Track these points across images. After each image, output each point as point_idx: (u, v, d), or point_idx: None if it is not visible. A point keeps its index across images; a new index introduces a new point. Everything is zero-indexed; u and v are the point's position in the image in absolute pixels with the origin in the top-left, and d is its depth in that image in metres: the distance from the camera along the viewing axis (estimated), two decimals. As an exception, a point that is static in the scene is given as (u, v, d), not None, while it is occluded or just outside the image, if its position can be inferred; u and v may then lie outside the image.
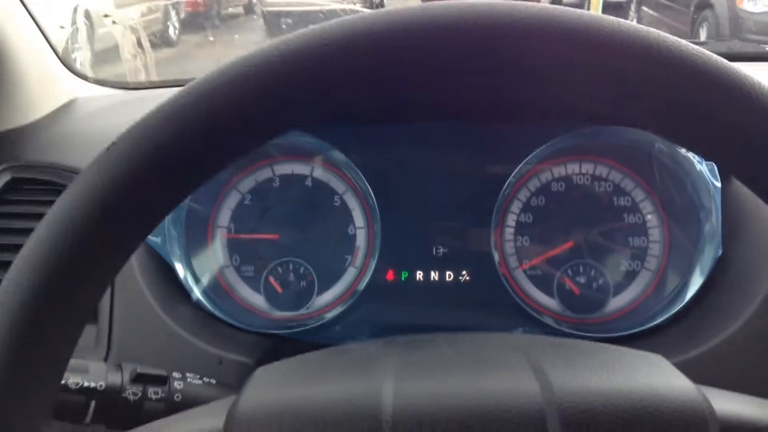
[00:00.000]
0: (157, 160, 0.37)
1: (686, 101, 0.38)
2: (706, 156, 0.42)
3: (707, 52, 0.38)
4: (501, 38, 0.38)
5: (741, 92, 0.37)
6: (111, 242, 0.38)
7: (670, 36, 0.38)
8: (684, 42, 0.38)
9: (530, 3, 0.39)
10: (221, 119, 0.38)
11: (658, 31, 0.38)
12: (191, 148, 0.38)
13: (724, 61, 0.38)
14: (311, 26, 0.39)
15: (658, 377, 0.43)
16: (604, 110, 0.41)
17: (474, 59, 0.39)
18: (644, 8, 6.81)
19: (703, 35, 5.59)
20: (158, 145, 0.37)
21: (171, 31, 4.78)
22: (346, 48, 0.38)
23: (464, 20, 0.38)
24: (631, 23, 0.38)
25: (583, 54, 0.38)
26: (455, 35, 0.38)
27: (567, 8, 0.39)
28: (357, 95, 0.40)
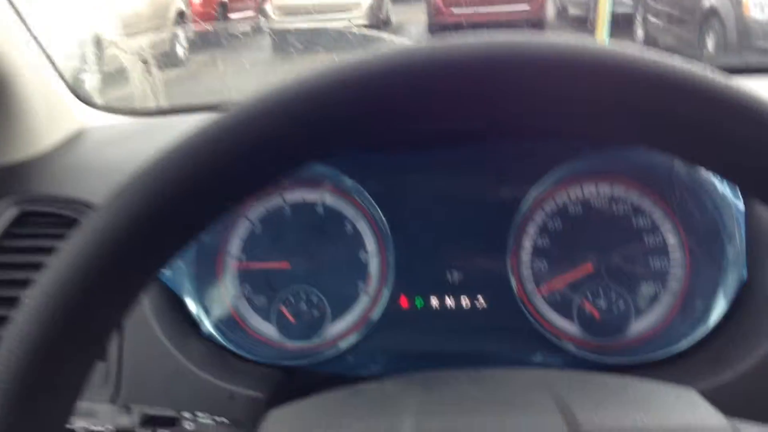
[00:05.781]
0: (157, 212, 0.36)
1: (699, 123, 0.36)
2: (723, 176, 0.40)
3: (717, 76, 0.36)
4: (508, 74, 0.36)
5: (750, 110, 0.35)
6: (119, 286, 0.37)
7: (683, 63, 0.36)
8: (694, 68, 0.36)
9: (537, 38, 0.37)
10: (220, 170, 0.36)
11: (674, 60, 0.36)
12: (189, 201, 0.37)
13: (732, 81, 0.36)
14: (311, 68, 0.38)
15: (692, 415, 0.41)
16: (620, 138, 0.39)
17: (493, 98, 0.37)
18: (650, 18, 6.77)
19: (710, 44, 5.54)
20: (160, 194, 0.36)
21: (179, 50, 4.82)
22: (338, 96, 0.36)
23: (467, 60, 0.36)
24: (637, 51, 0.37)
25: (602, 87, 0.36)
26: (454, 81, 0.36)
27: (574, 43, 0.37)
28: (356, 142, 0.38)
